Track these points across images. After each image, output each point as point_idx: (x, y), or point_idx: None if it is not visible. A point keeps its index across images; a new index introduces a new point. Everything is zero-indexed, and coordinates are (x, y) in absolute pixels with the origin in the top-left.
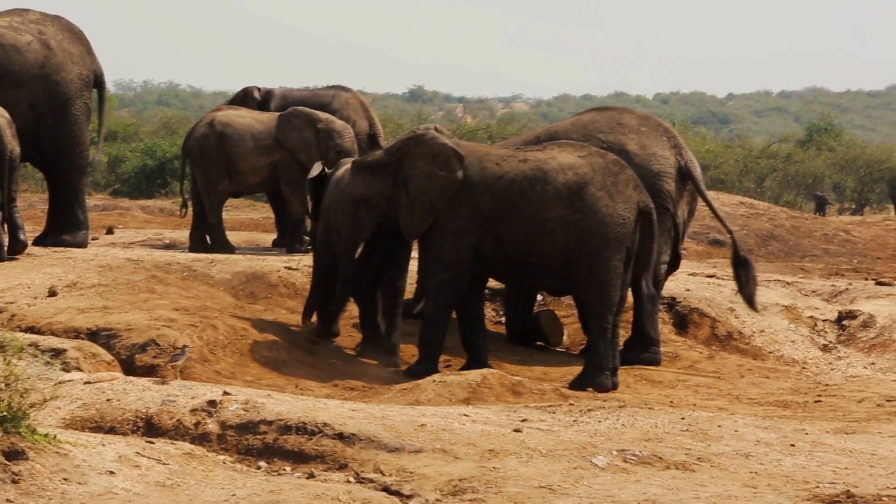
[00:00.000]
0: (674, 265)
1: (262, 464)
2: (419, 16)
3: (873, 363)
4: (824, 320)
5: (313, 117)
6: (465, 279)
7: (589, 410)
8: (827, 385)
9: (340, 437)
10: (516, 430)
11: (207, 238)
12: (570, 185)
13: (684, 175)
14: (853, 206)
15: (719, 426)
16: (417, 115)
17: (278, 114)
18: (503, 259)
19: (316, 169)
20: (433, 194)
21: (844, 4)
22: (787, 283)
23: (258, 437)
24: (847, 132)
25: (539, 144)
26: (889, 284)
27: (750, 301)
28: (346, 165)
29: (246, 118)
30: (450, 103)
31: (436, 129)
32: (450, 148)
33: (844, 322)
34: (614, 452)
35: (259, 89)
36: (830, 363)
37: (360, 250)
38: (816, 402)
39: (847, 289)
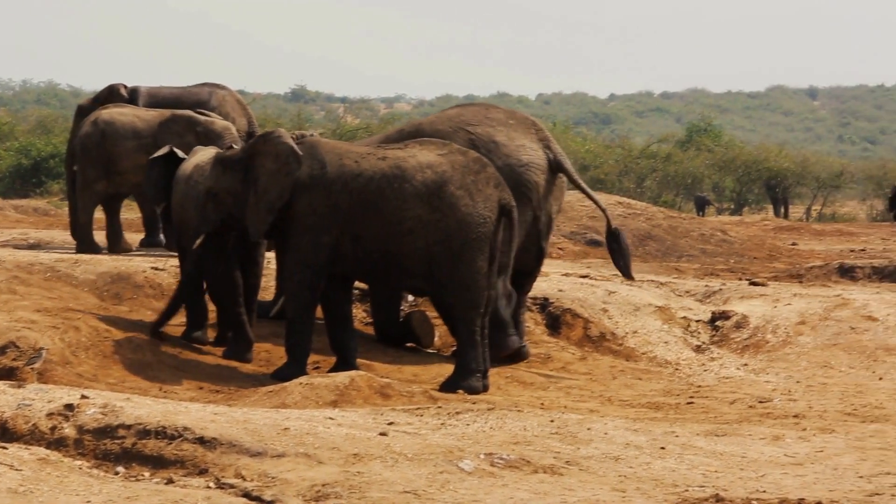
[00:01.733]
0: (537, 260)
1: (120, 469)
2: (303, 15)
3: (746, 364)
4: (697, 321)
5: (193, 121)
6: (323, 278)
7: (457, 413)
8: (700, 386)
9: (201, 441)
10: (382, 434)
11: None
12: (428, 184)
13: (554, 168)
14: (732, 207)
15: (589, 429)
16: (297, 114)
17: (161, 112)
18: (363, 259)
19: (164, 149)
20: (273, 194)
21: (724, 6)
22: (661, 284)
23: (116, 441)
24: (727, 133)
25: (402, 142)
26: (763, 285)
27: (626, 272)
28: (199, 155)
29: (128, 116)
30: (332, 103)
31: (302, 134)
32: (289, 147)
33: (718, 323)
34: (482, 456)
35: (125, 87)
36: (703, 364)
37: (213, 247)
38: (689, 403)
39: (721, 289)
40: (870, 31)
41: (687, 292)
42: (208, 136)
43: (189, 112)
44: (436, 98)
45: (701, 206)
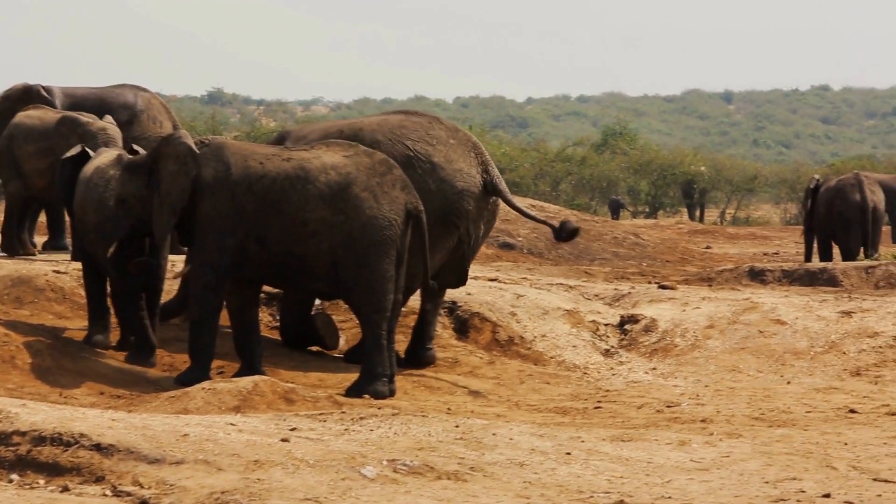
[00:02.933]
0: (458, 282)
1: (14, 477)
2: (221, 16)
3: (654, 368)
4: (606, 325)
5: (76, 122)
6: (228, 281)
7: (361, 419)
8: (608, 391)
9: (98, 448)
10: (284, 440)
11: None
12: (332, 186)
13: (490, 192)
14: (647, 210)
15: (494, 434)
16: (212, 117)
17: (56, 114)
18: (268, 261)
19: (75, 149)
20: (175, 195)
21: (641, 10)
22: (570, 287)
23: (10, 448)
24: (643, 136)
25: (310, 144)
26: (672, 288)
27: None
28: (100, 157)
29: (34, 119)
30: (249, 106)
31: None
32: (187, 147)
33: (626, 326)
34: (384, 462)
35: (44, 87)
36: (612, 368)
37: (113, 250)
38: (596, 408)
39: (630, 293)
40: (784, 36)
41: (596, 296)
42: (85, 138)
43: (74, 114)
44: (353, 101)
45: (615, 209)
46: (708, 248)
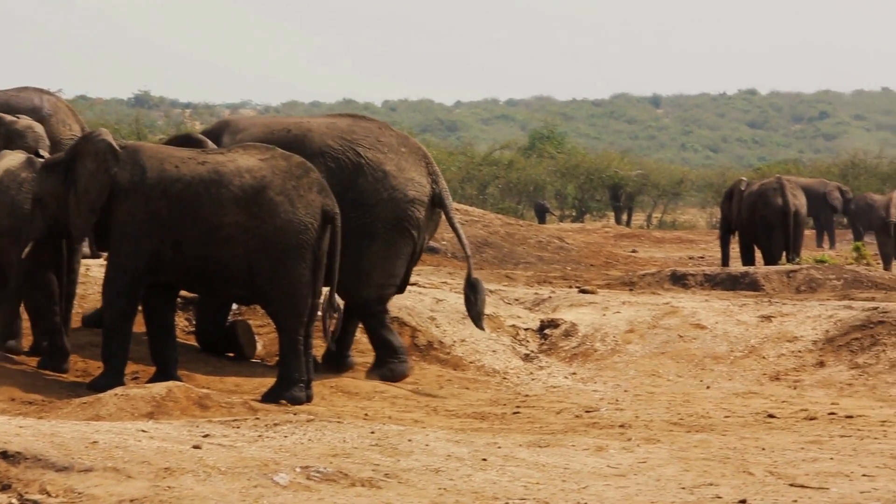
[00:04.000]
0: (400, 289)
1: None
2: (148, 18)
3: (574, 373)
4: (526, 329)
5: (1, 121)
6: (143, 286)
7: (275, 425)
8: (527, 396)
9: (4, 455)
10: (196, 447)
11: None
12: (246, 189)
13: (436, 203)
14: (574, 214)
15: (410, 440)
16: (136, 119)
17: None
18: (183, 266)
19: None
20: (93, 193)
21: (569, 14)
22: (491, 292)
23: None
24: (571, 140)
25: (226, 147)
26: (592, 293)
27: (477, 322)
28: (7, 159)
29: None
30: (176, 108)
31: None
32: (107, 144)
33: (546, 331)
34: (298, 469)
35: None
36: (531, 373)
37: (28, 251)
38: (515, 413)
39: (550, 297)
40: (712, 41)
41: (516, 300)
42: (10, 137)
43: None
44: (281, 104)
45: (541, 213)
46: (634, 251)
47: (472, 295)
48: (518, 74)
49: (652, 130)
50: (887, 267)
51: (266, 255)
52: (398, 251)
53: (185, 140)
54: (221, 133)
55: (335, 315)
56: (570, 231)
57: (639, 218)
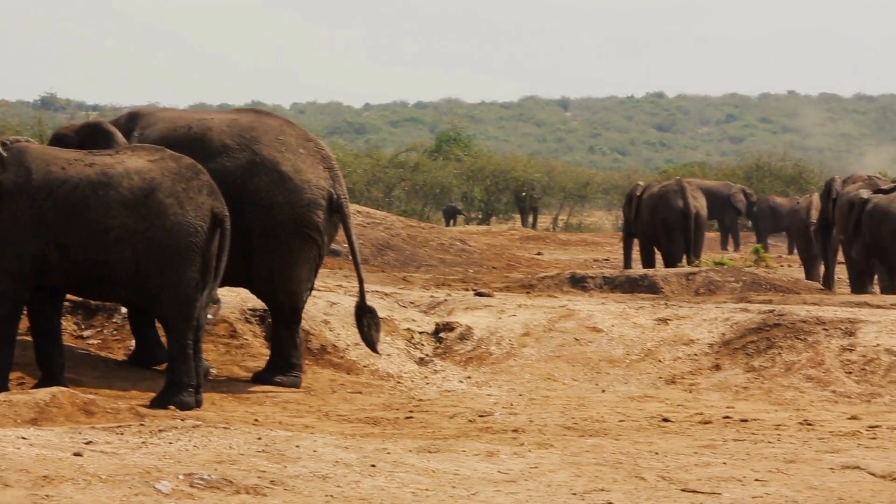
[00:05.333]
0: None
1: None
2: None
3: (469, 377)
4: (421, 333)
5: None
6: (27, 289)
7: (160, 431)
8: (421, 400)
9: None
10: (77, 454)
11: None
12: (135, 191)
13: (334, 207)
14: (480, 216)
15: (297, 446)
16: (39, 121)
17: None
18: (70, 269)
19: None
20: None
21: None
22: (386, 295)
23: None
24: (480, 143)
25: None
26: (489, 295)
27: (372, 347)
28: None
29: None
30: (82, 111)
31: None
32: None
33: (441, 334)
34: (181, 477)
35: None
36: (426, 377)
37: None
38: (408, 418)
39: (446, 300)
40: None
41: (412, 303)
42: None
43: None
44: (189, 106)
45: (450, 216)
46: (539, 254)
47: (367, 320)
48: (427, 77)
49: (560, 133)
50: (810, 272)
51: (155, 258)
52: (302, 255)
53: (93, 129)
54: (130, 124)
55: (214, 306)
56: (475, 234)
57: (545, 220)
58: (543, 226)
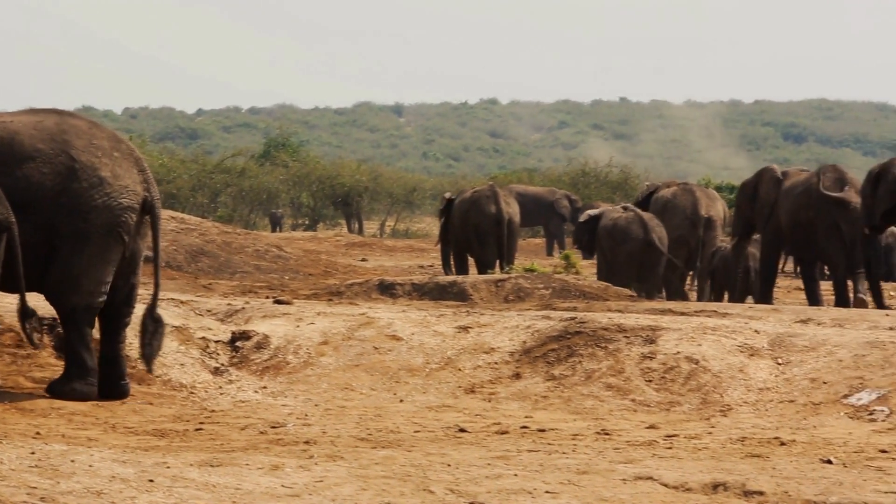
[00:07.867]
0: (130, 296)
1: None
2: None
3: (265, 387)
4: (217, 341)
5: None
6: None
7: None
8: (213, 411)
9: None
10: None
11: None
12: None
13: (146, 210)
14: (307, 223)
15: (73, 461)
16: None
17: None
18: None
19: None
20: None
21: (310, 21)
22: (182, 303)
23: None
24: (314, 149)
25: None
26: (288, 303)
27: (148, 362)
28: None
29: None
30: None
31: None
32: None
33: (238, 343)
34: None
35: None
36: (220, 387)
37: None
38: (197, 430)
39: (244, 308)
40: (453, 51)
41: (209, 311)
42: None
43: None
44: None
45: (276, 222)
46: (363, 260)
47: (152, 329)
48: (261, 83)
49: (394, 139)
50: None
51: None
52: (109, 257)
53: None
54: None
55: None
56: (299, 240)
57: (373, 227)
58: (371, 232)
